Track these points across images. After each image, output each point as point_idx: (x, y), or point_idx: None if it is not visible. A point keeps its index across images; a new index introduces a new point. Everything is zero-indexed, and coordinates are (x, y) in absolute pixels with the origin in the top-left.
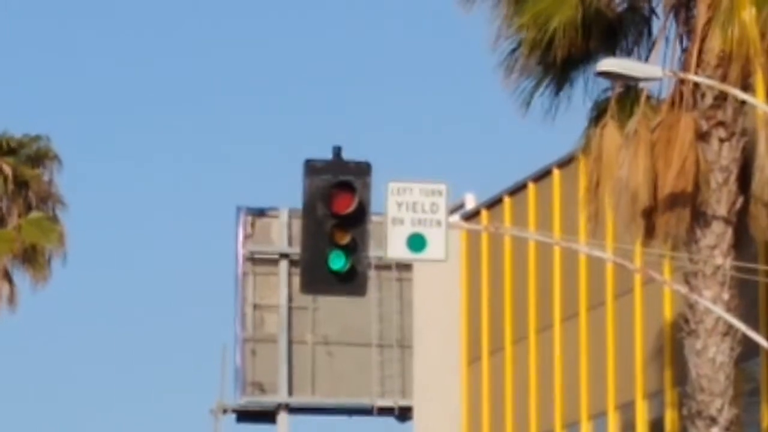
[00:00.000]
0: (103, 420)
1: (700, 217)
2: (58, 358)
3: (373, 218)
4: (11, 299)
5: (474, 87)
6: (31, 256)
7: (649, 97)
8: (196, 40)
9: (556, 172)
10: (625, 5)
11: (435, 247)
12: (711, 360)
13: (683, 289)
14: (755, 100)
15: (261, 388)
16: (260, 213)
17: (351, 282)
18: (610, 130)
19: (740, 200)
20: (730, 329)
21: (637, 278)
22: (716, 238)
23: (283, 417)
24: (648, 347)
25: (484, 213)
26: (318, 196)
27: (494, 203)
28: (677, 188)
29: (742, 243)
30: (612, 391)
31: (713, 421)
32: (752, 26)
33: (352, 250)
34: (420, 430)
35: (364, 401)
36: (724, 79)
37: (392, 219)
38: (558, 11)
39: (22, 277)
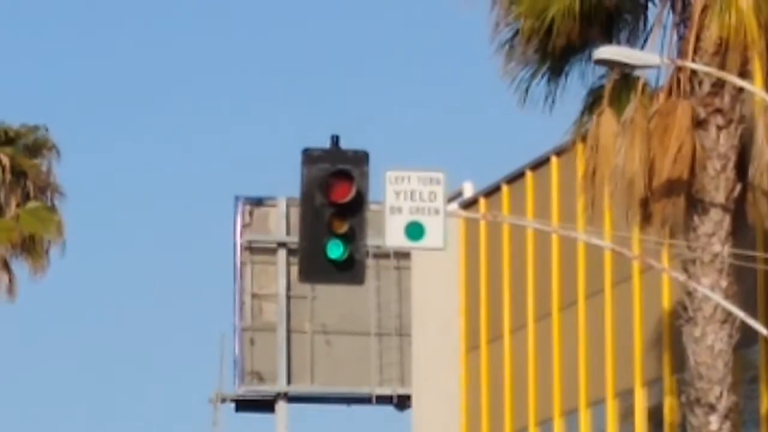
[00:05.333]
0: (101, 409)
1: (698, 205)
2: (56, 347)
3: (371, 207)
4: (10, 289)
5: (472, 75)
6: (30, 246)
7: (645, 85)
8: (193, 29)
9: (553, 160)
10: None
11: (433, 236)
12: (709, 347)
13: (681, 277)
14: (753, 87)
15: (260, 377)
16: (258, 202)
17: (349, 271)
18: (606, 117)
19: (738, 187)
20: (728, 316)
21: (636, 266)
22: (714, 225)
23: (281, 406)
24: (646, 335)
25: (482, 201)
26: (316, 185)
27: (492, 191)
28: (674, 175)
29: (740, 230)
30: (611, 379)
31: (712, 408)
32: (749, 13)
33: (350, 238)
34: (419, 418)
35: (363, 390)
36: (721, 66)
37: (390, 207)
38: (555, 0)
39: (20, 267)
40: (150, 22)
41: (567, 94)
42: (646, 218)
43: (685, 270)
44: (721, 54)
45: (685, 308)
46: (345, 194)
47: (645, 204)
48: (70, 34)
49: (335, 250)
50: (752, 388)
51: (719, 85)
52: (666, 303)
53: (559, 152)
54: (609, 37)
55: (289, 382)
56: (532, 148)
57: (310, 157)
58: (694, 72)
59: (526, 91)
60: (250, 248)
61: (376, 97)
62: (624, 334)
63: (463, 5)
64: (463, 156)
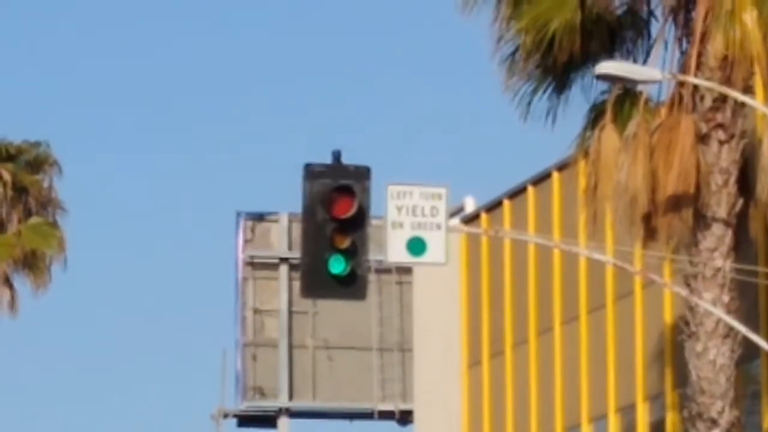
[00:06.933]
0: (104, 425)
1: (700, 220)
2: (58, 363)
3: (373, 222)
4: (12, 305)
5: (474, 90)
6: (32, 262)
7: (648, 100)
8: (194, 44)
9: (555, 175)
10: (623, 8)
11: (435, 251)
12: (711, 362)
13: (683, 292)
14: (755, 102)
15: (262, 393)
16: (260, 217)
17: (351, 286)
18: (608, 132)
19: (740, 202)
20: (730, 331)
21: (637, 281)
22: (716, 240)
23: (283, 421)
24: (648, 350)
25: (483, 216)
26: (318, 200)
27: (494, 206)
28: (677, 191)
29: (742, 245)
30: (612, 394)
31: (714, 423)
32: (754, 28)
33: (352, 253)
34: None
35: (365, 405)
36: (724, 81)
37: (392, 222)
38: (557, 14)
39: (22, 283)
40: (151, 38)
41: (569, 108)
42: (649, 233)
43: (687, 285)
44: (724, 69)
45: (687, 323)
46: (347, 209)
47: (648, 219)
48: (70, 51)
49: (337, 266)
50: (754, 403)
51: (721, 99)
52: (668, 318)
53: (561, 167)
54: (611, 52)
55: (291, 397)
56: (534, 163)
57: (311, 172)
58: (696, 87)
59: (528, 105)
60: (252, 263)
61: (378, 112)
62: (626, 349)
63: (465, 19)
64: (465, 171)
